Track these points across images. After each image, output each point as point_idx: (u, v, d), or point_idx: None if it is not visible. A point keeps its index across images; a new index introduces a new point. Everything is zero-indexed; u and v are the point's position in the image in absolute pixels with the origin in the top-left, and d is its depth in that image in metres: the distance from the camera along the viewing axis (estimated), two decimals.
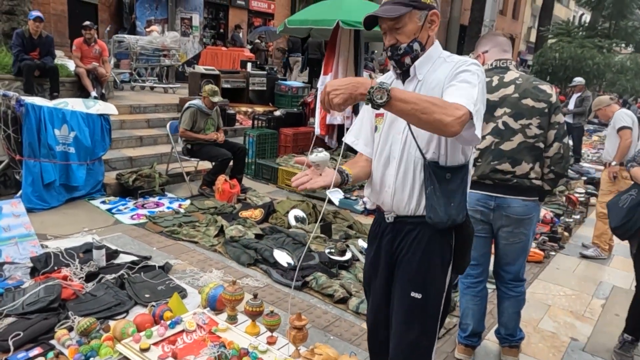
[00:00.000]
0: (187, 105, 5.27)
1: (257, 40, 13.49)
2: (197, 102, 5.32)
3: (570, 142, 7.88)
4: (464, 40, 19.22)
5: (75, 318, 2.58)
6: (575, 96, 9.14)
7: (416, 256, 1.66)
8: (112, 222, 4.34)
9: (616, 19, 16.71)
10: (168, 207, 4.82)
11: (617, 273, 4.24)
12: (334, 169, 1.65)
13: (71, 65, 7.28)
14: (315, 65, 12.00)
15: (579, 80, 9.31)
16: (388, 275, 1.77)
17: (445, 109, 1.36)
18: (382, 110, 1.68)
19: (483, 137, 2.45)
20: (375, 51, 16.87)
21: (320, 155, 1.57)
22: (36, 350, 2.31)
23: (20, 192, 4.32)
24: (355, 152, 1.92)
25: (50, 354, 2.18)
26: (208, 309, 2.82)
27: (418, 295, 1.65)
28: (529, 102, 2.41)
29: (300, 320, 2.39)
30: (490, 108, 2.41)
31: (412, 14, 1.57)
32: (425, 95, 1.45)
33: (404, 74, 1.65)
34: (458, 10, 20.41)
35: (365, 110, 1.82)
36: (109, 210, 4.57)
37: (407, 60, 1.61)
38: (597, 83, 15.88)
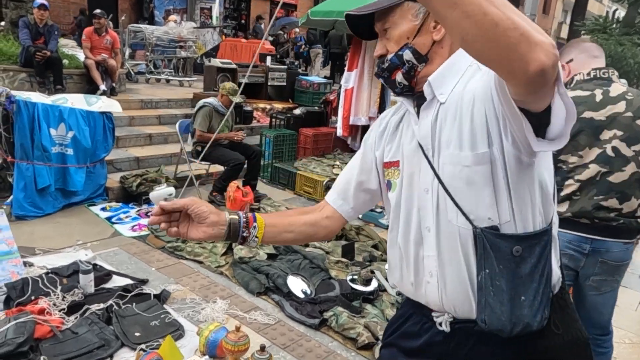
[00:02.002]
0: (201, 103, 4.79)
1: (280, 32, 12.96)
2: (212, 100, 4.84)
3: None
4: None
5: None
6: None
7: None
8: (110, 233, 3.91)
9: None
10: None
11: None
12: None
13: (81, 56, 6.90)
14: (338, 59, 11.48)
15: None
16: None
17: (524, 18, 0.74)
18: (393, 156, 1.16)
19: (585, 167, 1.92)
20: None
21: (159, 192, 1.07)
22: None
23: (11, 197, 3.91)
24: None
25: None
26: (207, 357, 2.36)
27: None
28: None
29: None
30: (596, 129, 1.90)
31: (403, 8, 1.05)
32: None
33: (417, 98, 1.10)
34: None
35: (359, 152, 1.28)
36: (109, 218, 4.15)
37: (399, 76, 1.07)
38: (638, 83, 14.95)
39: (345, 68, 6.89)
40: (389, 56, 1.07)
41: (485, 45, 0.74)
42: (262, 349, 2.19)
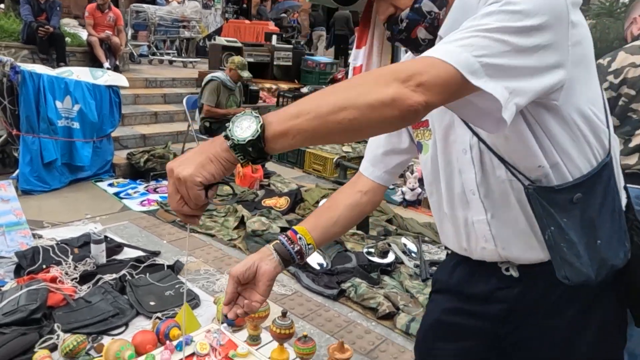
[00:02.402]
0: (208, 77, 4.68)
1: (284, 14, 12.78)
2: (220, 74, 4.72)
3: None
4: None
5: (59, 335, 2.07)
6: None
7: (572, 318, 0.97)
8: (119, 208, 3.83)
9: None
10: None
11: None
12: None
13: (84, 34, 6.77)
14: (343, 42, 11.31)
15: None
16: (492, 349, 1.08)
17: (368, 84, 0.71)
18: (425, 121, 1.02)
19: None
20: None
21: None
22: None
23: (16, 171, 3.83)
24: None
25: None
26: (225, 325, 2.28)
27: None
28: None
29: (343, 352, 1.87)
30: None
31: None
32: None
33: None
34: None
35: None
36: (117, 194, 4.07)
37: (422, 33, 0.92)
38: None
39: (354, 46, 6.77)
40: (404, 13, 0.91)
41: (351, 137, 0.75)
42: (284, 314, 2.11)
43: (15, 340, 1.99)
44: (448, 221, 1.05)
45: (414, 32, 0.92)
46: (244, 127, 0.71)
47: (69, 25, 7.60)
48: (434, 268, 3.17)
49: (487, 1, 0.79)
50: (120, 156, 4.70)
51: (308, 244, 1.01)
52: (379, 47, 6.46)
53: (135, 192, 4.14)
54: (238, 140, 0.70)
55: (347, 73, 6.70)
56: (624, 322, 0.99)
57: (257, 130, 0.69)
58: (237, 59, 4.74)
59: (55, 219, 3.46)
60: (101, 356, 1.96)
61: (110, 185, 4.26)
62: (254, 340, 2.18)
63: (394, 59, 6.57)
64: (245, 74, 4.70)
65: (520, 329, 1.01)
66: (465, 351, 1.10)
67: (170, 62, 9.04)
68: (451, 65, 0.69)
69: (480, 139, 0.92)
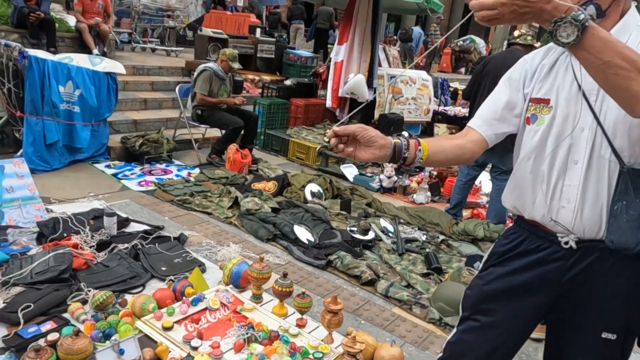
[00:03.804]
0: (201, 67, 4.95)
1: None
2: (212, 64, 5.00)
3: None
4: (467, 21, 18.70)
5: (89, 290, 2.37)
6: None
7: (614, 289, 1.27)
8: (119, 188, 4.09)
9: None
10: (177, 175, 4.58)
11: None
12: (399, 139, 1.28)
13: (70, 20, 6.88)
14: (323, 36, 11.60)
15: None
16: (544, 309, 1.37)
17: None
18: (544, 94, 1.30)
19: None
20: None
21: (354, 78, 1.21)
22: (48, 325, 2.09)
23: (20, 151, 4.03)
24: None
25: (68, 329, 1.97)
26: (231, 286, 2.63)
27: (612, 337, 1.29)
28: None
29: (336, 304, 2.22)
30: None
31: None
32: (630, 48, 1.04)
33: None
34: None
35: (501, 88, 1.43)
36: (115, 175, 4.32)
37: (590, 9, 1.17)
38: None
39: (335, 42, 7.11)
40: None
41: (609, 92, 1.07)
42: (285, 275, 2.47)
43: (50, 295, 2.28)
44: (536, 181, 1.30)
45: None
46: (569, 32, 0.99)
47: (54, 10, 7.66)
48: (409, 244, 3.59)
49: None
50: (114, 140, 4.92)
51: (420, 158, 1.29)
52: (359, 44, 6.85)
53: (132, 174, 4.40)
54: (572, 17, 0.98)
55: (328, 68, 7.05)
56: None
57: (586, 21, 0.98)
58: (228, 51, 5.03)
59: (61, 195, 3.70)
60: (128, 308, 2.28)
61: (107, 167, 4.51)
62: (257, 299, 2.52)
63: (373, 56, 6.96)
64: (236, 65, 5.00)
65: (583, 280, 1.27)
66: (523, 294, 1.35)
67: (153, 50, 9.16)
68: None
69: (599, 123, 1.20)
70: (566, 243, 1.27)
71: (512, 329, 1.40)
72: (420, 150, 1.29)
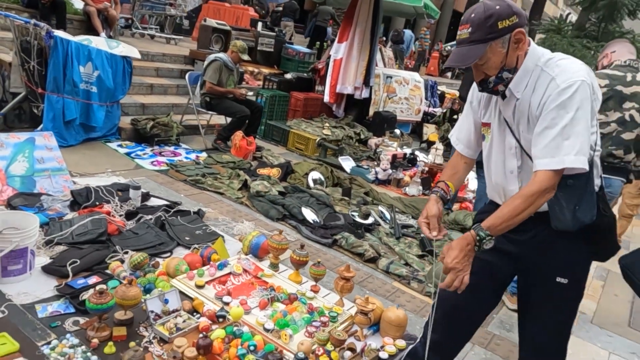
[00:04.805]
0: (212, 57, 5.19)
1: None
2: (222, 55, 5.25)
3: None
4: (455, 27, 19.18)
5: (126, 252, 2.62)
6: None
7: (560, 245, 1.61)
8: (133, 166, 4.32)
9: (606, 22, 17.02)
10: (186, 158, 4.82)
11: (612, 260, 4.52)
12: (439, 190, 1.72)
13: (76, 2, 7.01)
14: (321, 34, 11.87)
15: None
16: (511, 264, 1.73)
17: (531, 196, 1.44)
18: (487, 119, 1.70)
19: (607, 124, 2.80)
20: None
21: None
22: (94, 279, 2.35)
23: (40, 126, 4.22)
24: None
25: (114, 282, 2.22)
26: (250, 255, 2.90)
27: (564, 281, 1.64)
28: None
29: (349, 272, 2.52)
30: (620, 99, 2.78)
31: (492, 46, 1.47)
32: (510, 202, 1.50)
33: (502, 96, 1.60)
34: None
35: (468, 112, 1.81)
36: (128, 154, 4.54)
37: (500, 87, 1.55)
38: None
39: (336, 40, 7.41)
40: (492, 79, 1.53)
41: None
42: (302, 247, 2.77)
43: (92, 253, 2.54)
44: (496, 184, 1.72)
45: (496, 87, 1.56)
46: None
47: None
48: (405, 230, 3.92)
49: (546, 73, 1.50)
50: (124, 121, 5.12)
51: (452, 191, 1.74)
52: (359, 43, 7.17)
53: (144, 154, 4.62)
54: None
55: (327, 64, 7.34)
56: (589, 252, 1.68)
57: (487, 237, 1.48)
58: (239, 43, 5.28)
59: (81, 170, 3.91)
60: (162, 269, 2.55)
61: (120, 146, 4.72)
62: (274, 267, 2.81)
63: (371, 55, 7.26)
64: (245, 56, 5.26)
65: (539, 240, 1.64)
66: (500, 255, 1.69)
67: (152, 37, 9.29)
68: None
69: (520, 144, 1.58)
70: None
71: (483, 276, 1.69)
72: (450, 189, 1.76)
